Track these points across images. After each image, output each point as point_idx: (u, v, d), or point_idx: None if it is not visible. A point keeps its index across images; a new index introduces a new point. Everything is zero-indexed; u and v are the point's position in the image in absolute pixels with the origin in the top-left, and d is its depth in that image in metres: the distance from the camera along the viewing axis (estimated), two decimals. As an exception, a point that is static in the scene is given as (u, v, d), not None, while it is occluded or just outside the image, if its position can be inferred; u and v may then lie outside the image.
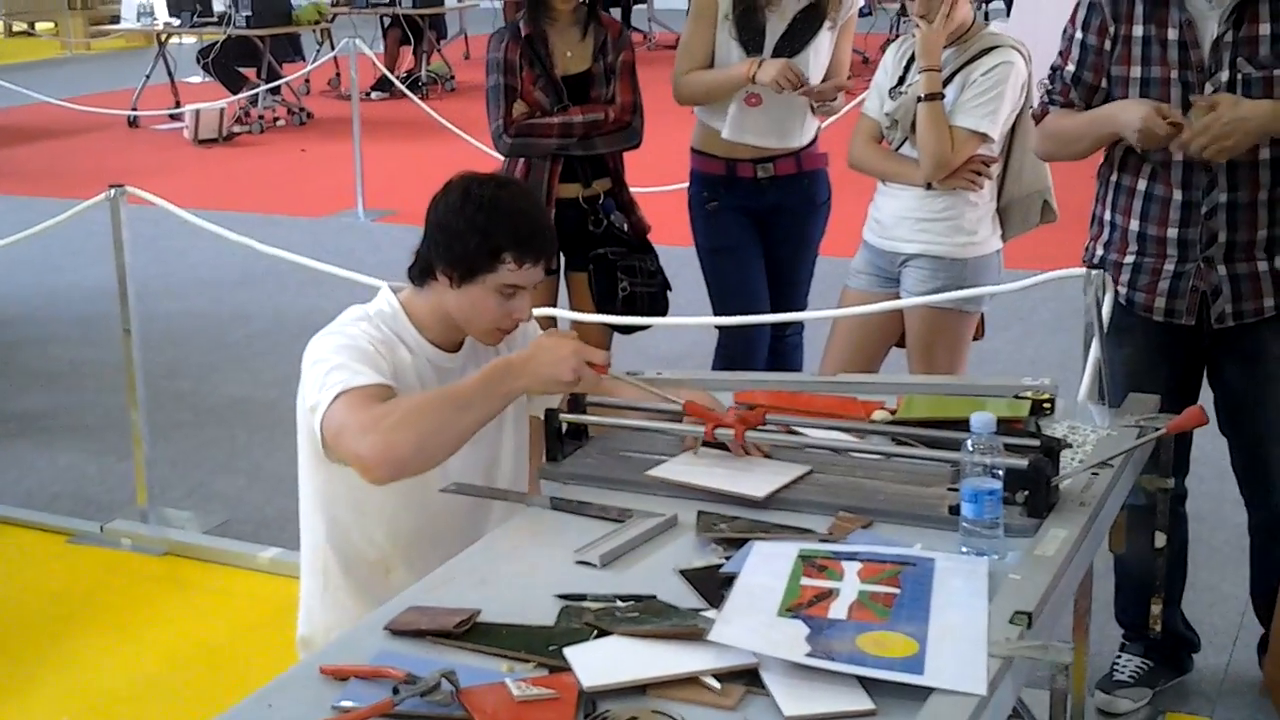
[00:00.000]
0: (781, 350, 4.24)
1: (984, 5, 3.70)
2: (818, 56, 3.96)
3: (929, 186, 3.57)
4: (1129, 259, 3.03)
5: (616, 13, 14.12)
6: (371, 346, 2.39)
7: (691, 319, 4.15)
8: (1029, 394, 2.58)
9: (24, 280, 6.87)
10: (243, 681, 3.27)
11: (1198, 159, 2.85)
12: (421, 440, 2.23)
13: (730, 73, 3.93)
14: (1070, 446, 2.37)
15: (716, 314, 4.11)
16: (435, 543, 2.46)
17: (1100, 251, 3.09)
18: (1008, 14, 10.33)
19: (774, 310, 4.05)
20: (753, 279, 4.11)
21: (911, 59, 3.62)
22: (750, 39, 3.93)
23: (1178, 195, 2.94)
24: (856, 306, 3.66)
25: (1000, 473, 2.06)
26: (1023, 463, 2.14)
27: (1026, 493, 2.15)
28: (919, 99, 3.51)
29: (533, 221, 2.45)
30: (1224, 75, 2.85)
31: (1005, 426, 2.23)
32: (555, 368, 2.30)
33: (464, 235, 2.39)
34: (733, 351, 4.10)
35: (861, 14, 4.41)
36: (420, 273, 2.48)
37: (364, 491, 2.35)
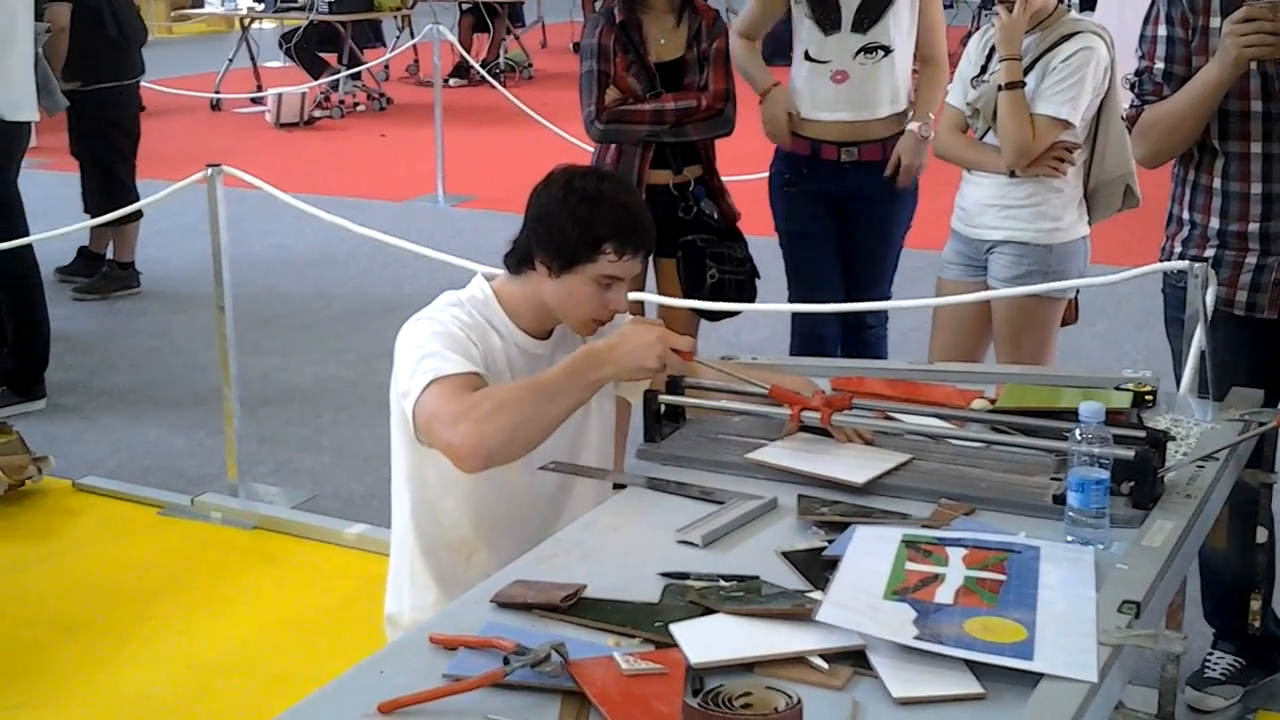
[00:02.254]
0: (865, 342, 4.22)
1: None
2: (898, 25, 3.94)
3: (1012, 174, 3.56)
4: (1209, 253, 3.01)
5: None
6: (463, 333, 2.41)
7: (778, 305, 4.15)
8: (1130, 385, 2.57)
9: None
10: (330, 656, 3.36)
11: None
12: (512, 431, 2.26)
13: (757, 78, 4.13)
14: (1174, 439, 2.35)
15: (791, 297, 4.12)
16: (515, 526, 2.49)
17: (1179, 249, 3.07)
18: (1082, 7, 10.18)
19: (853, 301, 4.04)
20: (821, 267, 4.13)
21: (994, 48, 3.61)
22: (825, 16, 3.93)
23: (1257, 189, 2.92)
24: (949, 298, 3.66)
25: (1107, 463, 2.05)
26: (1129, 453, 2.13)
27: (1132, 484, 2.14)
28: (999, 88, 3.51)
29: (634, 215, 2.47)
30: None
31: (1108, 417, 2.21)
32: (641, 355, 2.32)
33: (565, 226, 2.42)
34: (801, 339, 4.13)
35: (944, 6, 4.40)
36: (518, 261, 2.51)
37: (452, 474, 2.38)
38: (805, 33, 3.98)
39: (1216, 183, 2.97)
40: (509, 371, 2.47)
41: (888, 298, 4.20)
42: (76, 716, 3.27)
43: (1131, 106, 3.12)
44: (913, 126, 4.01)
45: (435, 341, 2.38)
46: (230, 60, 11.99)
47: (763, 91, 4.08)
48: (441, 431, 2.29)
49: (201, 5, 13.66)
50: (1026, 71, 3.51)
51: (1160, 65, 2.99)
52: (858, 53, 3.93)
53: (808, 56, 4.00)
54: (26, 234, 5.04)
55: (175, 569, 4.00)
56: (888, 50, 3.94)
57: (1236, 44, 2.77)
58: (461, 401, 2.28)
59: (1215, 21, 2.89)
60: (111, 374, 5.60)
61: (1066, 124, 3.51)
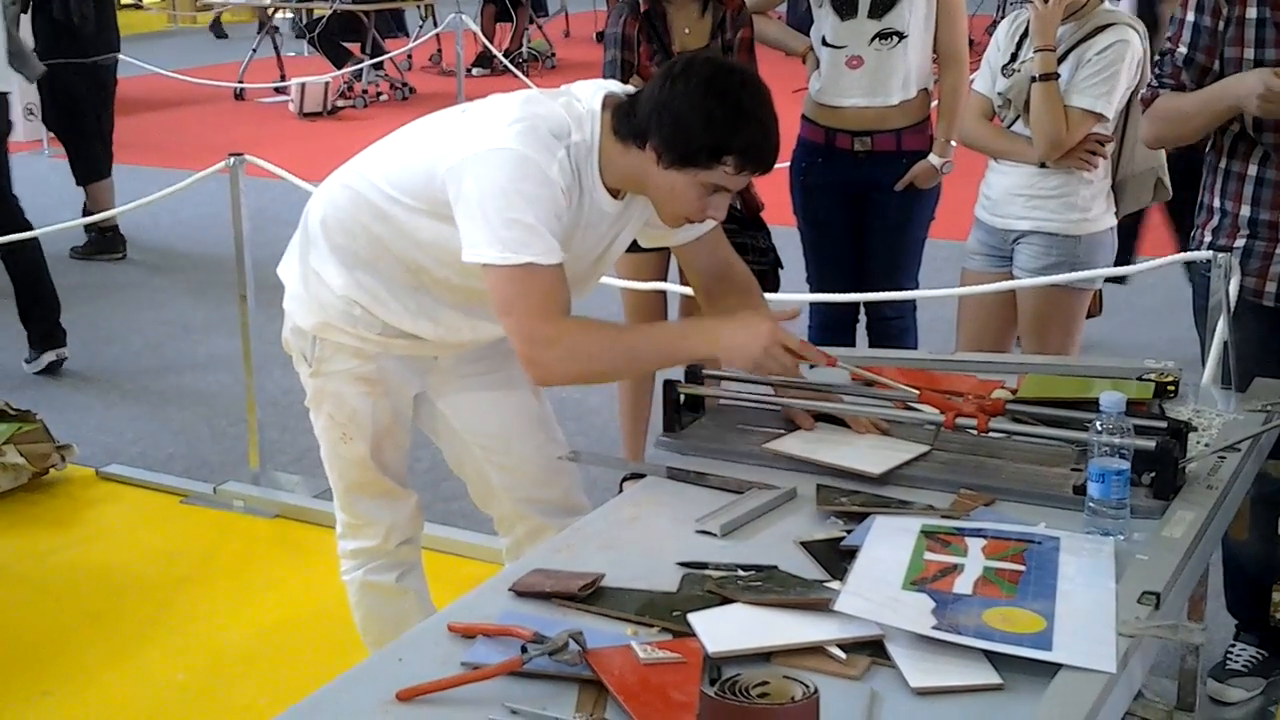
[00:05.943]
0: (888, 333, 4.19)
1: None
2: (915, 11, 3.92)
3: (1042, 165, 3.54)
4: (1239, 243, 2.98)
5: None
6: (563, 196, 2.30)
7: (800, 295, 4.13)
8: (1153, 376, 2.55)
9: (135, 247, 7.04)
10: (351, 644, 3.36)
11: None
12: (586, 376, 2.48)
13: (789, 42, 4.21)
14: (1196, 430, 2.34)
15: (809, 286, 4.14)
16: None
17: (1209, 238, 3.05)
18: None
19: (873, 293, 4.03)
20: (835, 257, 4.13)
21: (1024, 35, 3.60)
22: (842, 1, 3.92)
23: None
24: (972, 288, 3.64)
25: (1128, 453, 2.04)
26: (1150, 444, 2.12)
27: (1153, 474, 2.13)
28: (1034, 79, 3.49)
29: (766, 135, 2.30)
30: None
31: (1129, 408, 2.20)
32: (749, 346, 2.27)
33: (693, 127, 2.25)
34: (819, 329, 4.13)
35: (970, -6, 4.37)
36: (630, 133, 2.34)
37: (446, 270, 2.44)
38: (823, 17, 3.98)
39: (1252, 169, 2.95)
40: (575, 225, 2.37)
41: (912, 289, 4.19)
42: (100, 703, 3.29)
43: (1148, 87, 3.10)
44: (934, 160, 4.01)
45: (539, 206, 2.26)
46: (254, 50, 12.02)
47: (802, 53, 4.11)
48: (519, 330, 2.29)
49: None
50: (1059, 62, 3.50)
51: (1183, 50, 2.97)
52: (873, 38, 3.92)
53: (825, 41, 3.99)
54: None
55: (198, 557, 4.01)
56: (903, 36, 3.92)
57: (1258, 101, 2.76)
58: (550, 321, 2.27)
59: (1252, 12, 2.86)
60: (134, 363, 5.62)
61: (1100, 117, 3.50)
